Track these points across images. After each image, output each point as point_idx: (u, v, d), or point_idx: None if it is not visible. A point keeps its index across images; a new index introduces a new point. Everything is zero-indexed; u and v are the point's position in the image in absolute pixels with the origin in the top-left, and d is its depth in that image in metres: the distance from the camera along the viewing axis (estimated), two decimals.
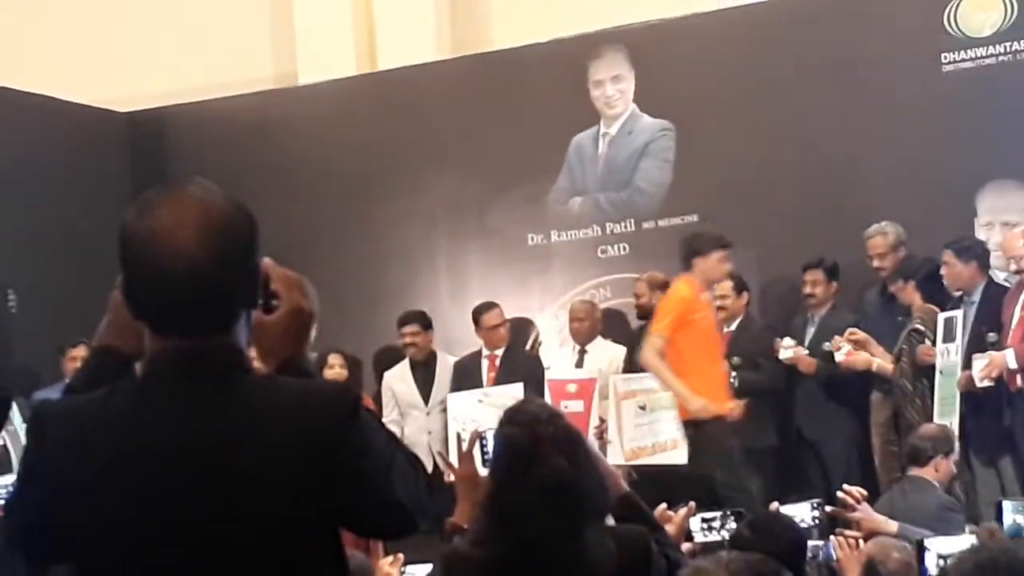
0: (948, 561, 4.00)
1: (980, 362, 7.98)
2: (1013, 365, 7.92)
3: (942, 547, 4.27)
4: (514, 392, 8.74)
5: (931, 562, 4.31)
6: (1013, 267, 8.25)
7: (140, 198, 2.28)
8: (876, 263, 9.00)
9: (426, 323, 10.05)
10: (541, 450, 3.40)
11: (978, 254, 8.48)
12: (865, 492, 4.36)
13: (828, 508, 5.52)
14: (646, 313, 9.51)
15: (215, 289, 2.24)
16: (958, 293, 8.41)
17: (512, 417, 3.55)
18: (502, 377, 9.65)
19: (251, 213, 2.31)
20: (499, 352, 9.88)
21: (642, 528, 3.75)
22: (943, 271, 8.40)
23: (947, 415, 8.10)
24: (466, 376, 9.83)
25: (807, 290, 9.18)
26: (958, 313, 8.26)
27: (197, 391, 2.24)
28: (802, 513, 5.55)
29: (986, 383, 7.95)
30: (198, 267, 2.21)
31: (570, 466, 3.39)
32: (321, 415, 2.23)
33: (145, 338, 2.31)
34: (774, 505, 5.36)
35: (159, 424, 2.22)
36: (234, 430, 2.21)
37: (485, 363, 9.91)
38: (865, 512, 4.52)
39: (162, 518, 2.18)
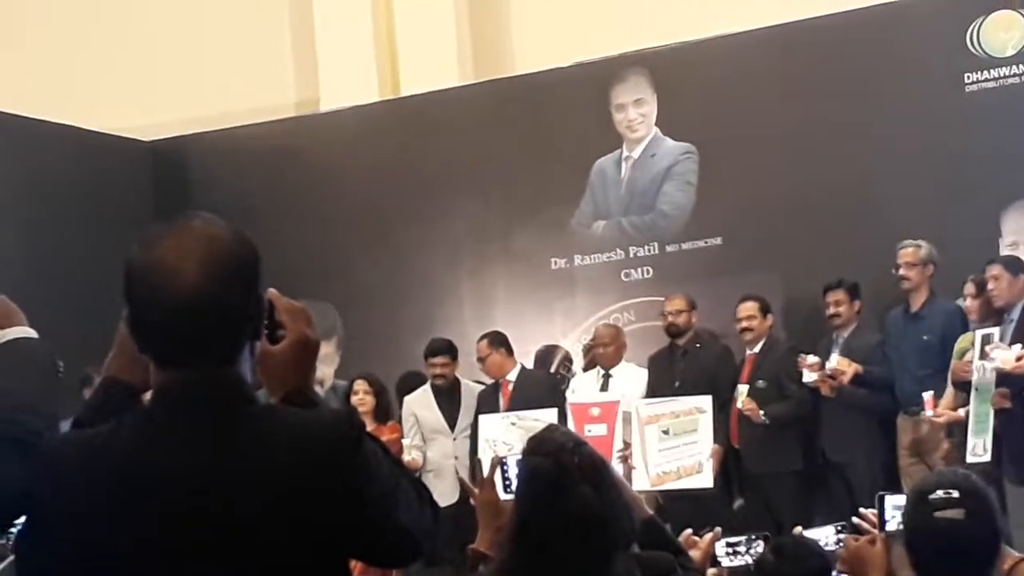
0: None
1: None
2: None
3: (900, 500, 4.19)
4: (546, 417, 8.72)
5: (889, 514, 4.24)
6: None
7: (143, 233, 2.30)
8: (902, 271, 8.87)
9: (454, 353, 10.03)
10: (567, 480, 3.37)
11: None
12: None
13: (842, 536, 5.45)
14: (680, 331, 9.45)
15: (218, 321, 2.25)
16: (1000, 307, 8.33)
17: (537, 446, 3.52)
18: (514, 403, 9.62)
19: (254, 245, 2.33)
20: (511, 378, 9.86)
21: (668, 555, 3.73)
22: (990, 285, 8.28)
23: (981, 432, 8.04)
24: (488, 405, 9.79)
25: (831, 310, 9.12)
26: (995, 331, 8.19)
27: (201, 424, 2.24)
28: (826, 536, 5.50)
29: None
30: (201, 300, 2.21)
31: (596, 495, 3.36)
32: (324, 445, 2.23)
33: (151, 371, 2.32)
34: (797, 529, 5.32)
35: (164, 458, 2.22)
36: (238, 461, 2.22)
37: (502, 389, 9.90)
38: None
39: (169, 551, 2.18)
